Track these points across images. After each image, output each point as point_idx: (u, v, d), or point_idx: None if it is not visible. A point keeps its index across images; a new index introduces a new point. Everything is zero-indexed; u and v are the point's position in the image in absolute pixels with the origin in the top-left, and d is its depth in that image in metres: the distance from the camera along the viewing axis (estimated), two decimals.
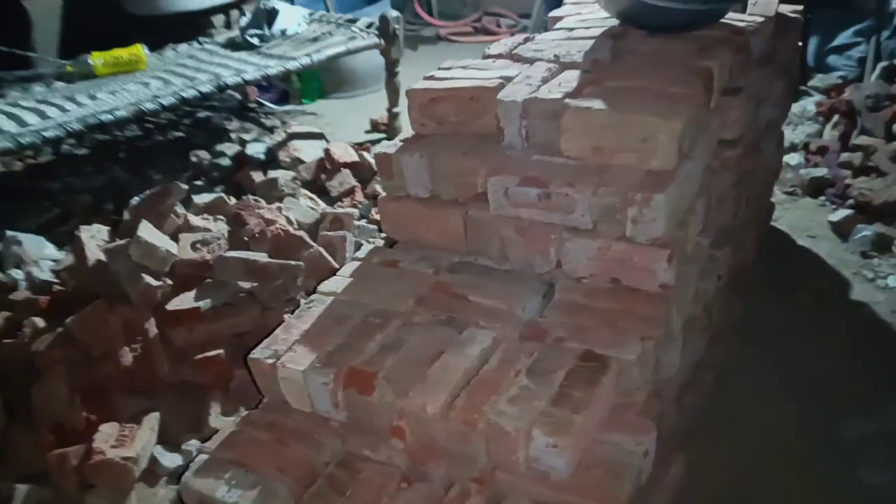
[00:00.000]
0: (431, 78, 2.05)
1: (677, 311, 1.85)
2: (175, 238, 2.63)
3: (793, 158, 3.79)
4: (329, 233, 2.81)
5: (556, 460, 1.47)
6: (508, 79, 1.97)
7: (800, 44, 2.78)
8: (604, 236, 1.76)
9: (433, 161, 1.93)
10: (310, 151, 3.93)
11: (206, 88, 3.42)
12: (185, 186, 2.94)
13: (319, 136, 4.28)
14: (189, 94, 3.40)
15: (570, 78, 1.94)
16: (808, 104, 4.10)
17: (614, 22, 2.25)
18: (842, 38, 4.26)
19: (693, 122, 1.76)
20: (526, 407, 1.50)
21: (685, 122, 1.69)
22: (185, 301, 2.45)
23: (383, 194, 2.07)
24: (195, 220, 2.77)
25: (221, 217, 2.85)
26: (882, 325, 2.72)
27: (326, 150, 3.75)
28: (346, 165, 3.67)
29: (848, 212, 3.28)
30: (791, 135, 3.92)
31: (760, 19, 2.28)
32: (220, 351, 2.40)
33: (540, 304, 1.81)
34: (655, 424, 1.75)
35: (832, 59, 4.27)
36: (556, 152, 1.83)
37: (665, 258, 1.71)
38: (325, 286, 1.95)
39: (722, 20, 2.21)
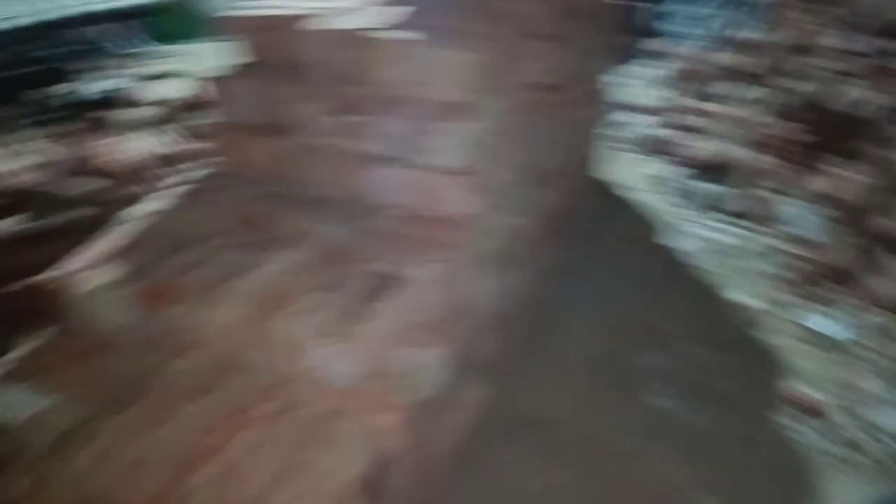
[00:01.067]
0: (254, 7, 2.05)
1: (483, 240, 1.95)
2: None
3: (628, 116, 4.01)
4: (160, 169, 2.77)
5: (341, 368, 1.54)
6: (329, 9, 2.00)
7: (638, 5, 2.94)
8: (410, 165, 1.83)
9: (251, 91, 1.94)
10: (165, 90, 3.82)
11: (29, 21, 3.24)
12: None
13: (177, 75, 4.15)
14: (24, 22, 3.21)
15: (385, 12, 1.99)
16: (647, 67, 4.33)
17: None
18: (691, 7, 4.51)
19: (497, 60, 1.85)
20: (315, 319, 1.57)
21: (485, 59, 1.77)
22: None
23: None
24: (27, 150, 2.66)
25: (55, 149, 2.74)
26: (688, 269, 2.95)
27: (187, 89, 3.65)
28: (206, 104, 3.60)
29: (670, 166, 3.52)
30: (630, 93, 4.14)
31: None
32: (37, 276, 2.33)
33: (345, 228, 1.87)
34: (454, 345, 1.86)
35: (678, 26, 4.52)
36: (369, 83, 1.88)
37: (466, 186, 1.81)
38: (140, 208, 1.94)
39: None
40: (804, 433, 2.24)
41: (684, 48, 4.29)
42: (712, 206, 3.27)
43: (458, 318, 1.95)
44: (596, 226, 3.14)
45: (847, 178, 3.06)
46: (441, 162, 1.79)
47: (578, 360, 2.49)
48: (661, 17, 4.59)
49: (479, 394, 2.11)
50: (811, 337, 2.58)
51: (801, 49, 3.71)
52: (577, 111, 2.71)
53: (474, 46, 1.78)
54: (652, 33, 4.61)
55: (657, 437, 2.23)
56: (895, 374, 2.35)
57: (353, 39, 1.86)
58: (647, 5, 4.54)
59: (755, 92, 3.69)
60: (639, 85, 4.19)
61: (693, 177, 3.46)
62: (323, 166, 1.91)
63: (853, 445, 2.19)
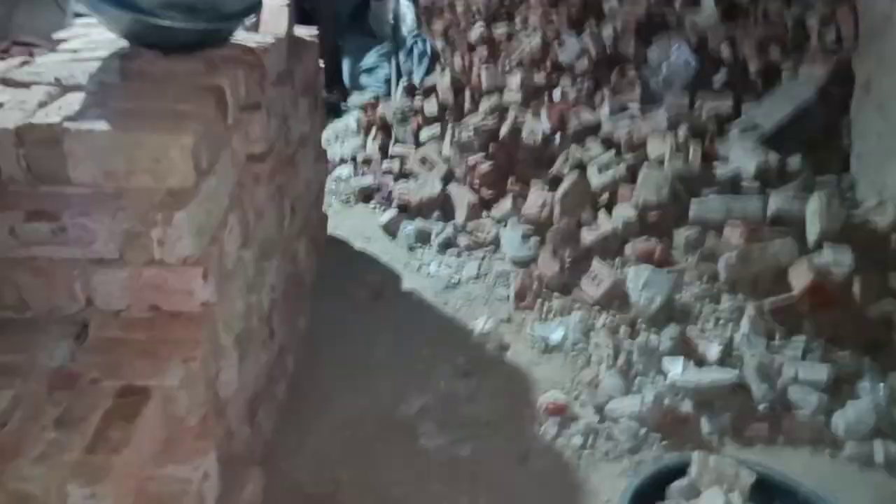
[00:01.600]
0: None
1: (225, 329, 1.84)
2: None
3: (344, 171, 4.12)
4: None
5: None
6: None
7: (322, 65, 3.02)
8: (132, 263, 1.67)
9: None
10: None
11: None
12: None
13: None
14: None
15: (73, 101, 1.81)
16: (350, 121, 4.49)
17: (126, 43, 2.16)
18: (369, 60, 4.76)
19: (208, 138, 1.77)
20: (55, 463, 1.35)
21: (197, 138, 1.69)
22: None
23: None
24: None
25: None
26: (429, 307, 3.09)
27: None
28: None
29: (393, 212, 3.67)
30: (340, 149, 4.26)
31: (272, 40, 2.40)
32: None
33: (70, 347, 1.64)
34: (219, 445, 1.73)
35: (364, 79, 4.76)
36: (66, 181, 1.69)
37: (199, 276, 1.70)
38: None
39: (235, 40, 2.27)
40: (563, 436, 2.45)
41: (381, 99, 4.51)
42: (439, 243, 3.45)
43: (220, 415, 1.82)
44: (342, 282, 3.15)
45: (540, 197, 3.42)
46: (167, 254, 1.66)
47: (353, 420, 2.46)
48: (357, 74, 4.78)
49: (259, 486, 1.98)
50: (546, 345, 2.83)
51: (483, 90, 4.10)
52: (299, 174, 2.70)
53: (184, 126, 1.68)
54: (351, 87, 4.78)
55: (435, 478, 2.28)
56: (618, 364, 2.66)
57: (42, 133, 1.66)
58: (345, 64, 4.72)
59: (448, 131, 3.99)
60: (348, 139, 4.31)
61: (414, 218, 3.62)
62: (31, 282, 1.66)
63: (606, 436, 2.43)
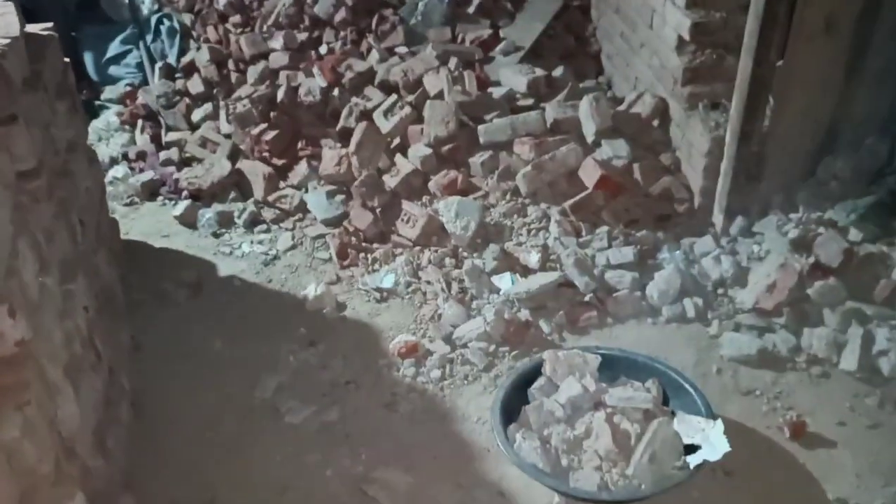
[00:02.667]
0: None
1: (50, 363, 1.67)
2: None
3: (119, 171, 3.79)
4: None
5: None
6: None
7: (67, 60, 2.73)
8: None
9: None
10: None
11: None
12: None
13: None
14: None
15: None
16: (109, 117, 4.12)
17: None
18: (113, 49, 4.37)
19: None
20: None
21: None
22: None
23: None
24: None
25: None
26: (254, 288, 2.98)
27: None
28: None
29: (186, 203, 3.46)
30: (107, 149, 3.90)
31: (6, 40, 2.13)
32: None
33: None
34: (81, 485, 1.58)
35: (113, 70, 4.37)
36: None
37: (5, 314, 1.51)
38: None
39: None
40: (421, 374, 2.51)
41: (139, 87, 4.17)
42: (244, 222, 3.32)
43: (71, 455, 1.66)
44: (154, 287, 2.93)
45: (335, 154, 3.40)
46: None
47: (209, 421, 2.36)
48: (105, 66, 4.36)
49: None
50: (380, 295, 2.87)
51: (247, 58, 3.94)
52: (77, 184, 2.45)
53: None
54: (100, 82, 4.36)
55: (310, 449, 2.26)
56: (453, 293, 2.77)
57: None
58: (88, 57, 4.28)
59: (221, 107, 3.80)
60: (112, 136, 3.96)
61: (210, 204, 3.45)
62: None
63: (460, 362, 2.53)
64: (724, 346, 2.52)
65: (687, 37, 2.96)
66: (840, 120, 2.93)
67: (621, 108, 3.32)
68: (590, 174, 3.03)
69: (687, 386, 2.20)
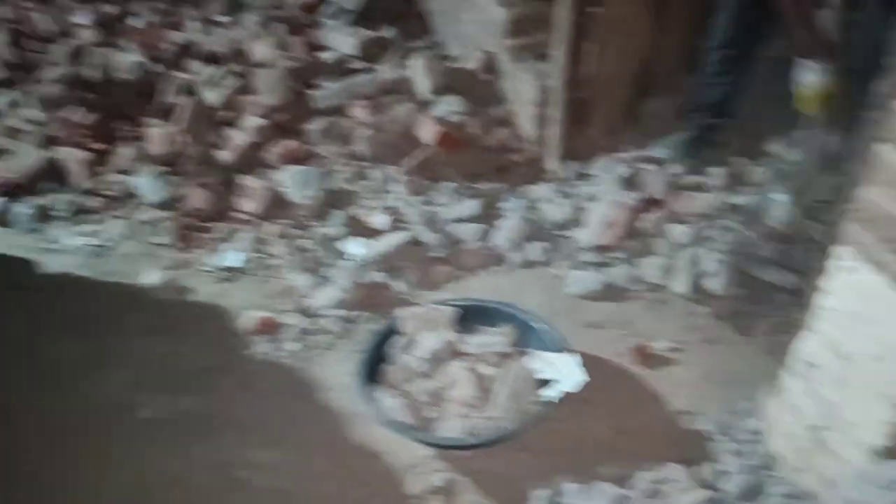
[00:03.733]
0: None
1: None
2: None
3: None
4: None
5: None
6: None
7: None
8: None
9: None
10: None
11: None
12: None
13: None
14: None
15: None
16: None
17: None
18: None
19: None
20: None
21: None
22: None
23: None
24: None
25: None
26: (89, 282, 2.76)
27: None
28: None
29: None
30: None
31: None
32: None
33: None
34: None
35: None
36: None
37: None
38: None
39: None
40: (280, 349, 2.45)
41: None
42: (67, 214, 3.06)
43: None
44: None
45: (162, 133, 3.20)
46: None
47: (55, 428, 2.17)
48: None
49: None
50: (228, 274, 2.75)
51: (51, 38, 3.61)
52: None
53: None
54: None
55: (169, 443, 2.16)
56: (303, 264, 2.71)
57: None
58: None
59: (25, 92, 3.47)
60: None
61: (23, 197, 3.15)
62: None
63: (318, 331, 2.49)
64: (568, 283, 2.64)
65: None
66: (655, 62, 3.12)
67: (453, 64, 3.35)
68: (429, 132, 3.05)
69: (538, 326, 2.29)
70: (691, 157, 2.90)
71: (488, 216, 2.90)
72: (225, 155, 3.14)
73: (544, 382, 2.11)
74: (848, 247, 1.59)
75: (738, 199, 2.73)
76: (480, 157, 3.10)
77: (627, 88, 3.11)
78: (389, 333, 2.31)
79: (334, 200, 2.97)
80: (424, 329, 2.28)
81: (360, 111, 3.15)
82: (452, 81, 3.26)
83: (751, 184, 2.81)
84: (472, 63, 3.31)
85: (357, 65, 3.42)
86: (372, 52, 3.46)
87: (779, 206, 2.62)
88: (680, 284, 2.58)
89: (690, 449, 2.08)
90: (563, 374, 2.09)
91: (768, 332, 2.39)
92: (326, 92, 3.24)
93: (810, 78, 2.40)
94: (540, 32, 3.09)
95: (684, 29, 3.12)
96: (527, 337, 2.30)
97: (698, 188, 2.79)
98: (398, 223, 2.86)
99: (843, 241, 1.60)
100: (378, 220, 2.85)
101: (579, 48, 2.79)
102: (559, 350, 2.19)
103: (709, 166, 2.89)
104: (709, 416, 2.18)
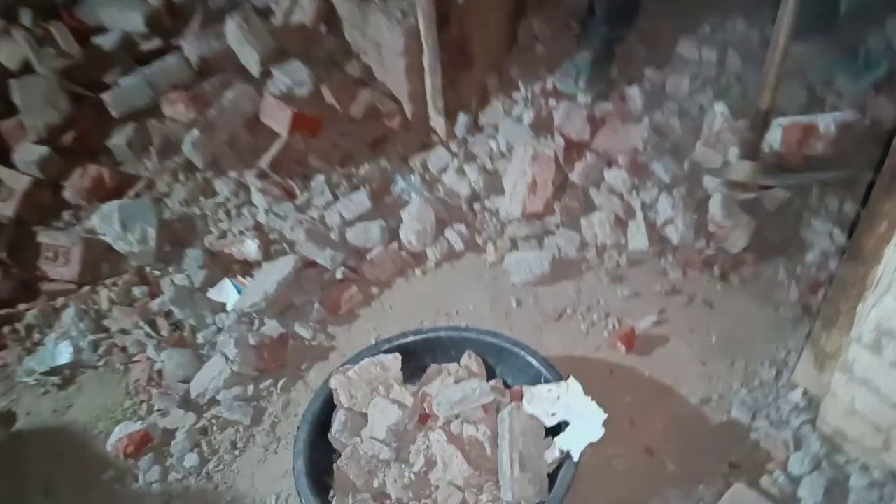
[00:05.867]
0: None
1: None
2: None
3: None
4: None
5: None
6: None
7: None
8: None
9: None
10: None
11: None
12: None
13: None
14: None
15: None
16: None
17: None
18: None
19: None
20: None
21: None
22: None
23: None
24: None
25: None
26: None
27: None
28: None
29: None
30: None
31: None
32: None
33: None
34: None
35: None
36: None
37: None
38: None
39: None
40: (170, 467, 1.77)
41: None
42: None
43: None
44: None
45: None
46: None
47: None
48: None
49: None
50: (59, 377, 1.98)
51: None
52: None
53: None
54: None
55: None
56: (167, 339, 2.00)
57: None
58: None
59: None
60: None
61: None
62: None
63: (223, 425, 1.82)
64: (511, 271, 2.13)
65: None
66: None
67: (277, 21, 2.62)
68: (277, 116, 2.35)
69: (506, 345, 1.78)
70: (599, 80, 2.43)
71: (383, 208, 2.30)
72: (4, 207, 2.26)
73: (553, 428, 1.61)
74: None
75: (671, 120, 2.30)
76: (349, 133, 2.46)
77: (503, 9, 2.56)
78: (323, 412, 1.70)
79: (178, 235, 2.23)
80: (369, 394, 1.70)
81: (175, 107, 2.37)
82: (285, 43, 2.54)
83: (676, 98, 2.39)
84: (301, 15, 2.59)
85: (150, 45, 2.59)
86: (165, 24, 2.63)
87: (720, 118, 2.22)
88: (636, 239, 2.15)
89: (737, 451, 1.69)
90: (571, 409, 1.60)
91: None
92: (122, 90, 2.41)
93: None
94: None
95: None
96: (496, 362, 1.78)
97: (622, 117, 2.33)
98: (274, 245, 2.20)
99: None
100: (247, 247, 2.17)
101: None
102: (545, 370, 1.69)
103: (623, 86, 2.44)
104: (737, 399, 1.79)
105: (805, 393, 1.75)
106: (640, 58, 2.53)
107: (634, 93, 2.38)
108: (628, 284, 2.09)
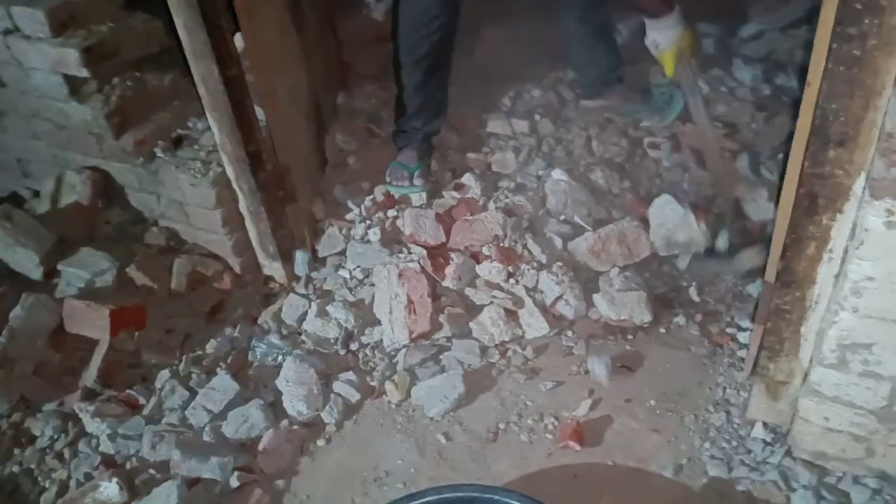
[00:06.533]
0: None
1: None
2: None
3: None
4: None
5: None
6: None
7: None
8: None
9: None
10: None
11: None
12: None
13: None
14: None
15: None
16: None
17: None
18: None
19: None
20: None
21: None
22: None
23: None
24: None
25: None
26: None
27: None
28: None
29: None
30: None
31: None
32: None
33: None
34: None
35: None
36: None
37: None
38: None
39: None
40: None
41: None
42: None
43: None
44: None
45: None
46: None
47: None
48: None
49: None
50: None
51: None
52: None
53: None
54: None
55: None
56: None
57: None
58: None
59: None
60: None
61: None
62: None
63: None
64: (424, 405, 1.90)
65: (82, 72, 2.00)
66: (320, 91, 2.41)
67: (43, 209, 2.18)
68: (88, 320, 1.92)
69: (475, 494, 1.54)
70: (428, 175, 2.32)
71: (252, 383, 1.96)
72: None
73: None
74: (883, 199, 1.21)
75: (515, 198, 2.24)
76: (179, 312, 2.09)
77: (308, 130, 2.36)
78: None
79: None
80: None
81: None
82: (63, 232, 2.12)
83: (509, 175, 2.34)
84: (76, 194, 2.18)
85: None
86: None
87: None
88: (534, 327, 2.03)
89: None
90: None
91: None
92: None
93: (668, 33, 1.98)
94: (159, 111, 2.16)
95: (330, 41, 2.47)
96: None
97: (469, 208, 2.23)
98: (139, 476, 1.75)
99: (876, 193, 1.22)
100: (105, 491, 1.70)
101: (243, 108, 1.94)
102: None
103: (449, 177, 2.35)
104: (706, 456, 1.72)
105: (766, 426, 1.72)
106: (456, 145, 2.47)
107: (468, 180, 2.30)
108: (545, 375, 1.96)
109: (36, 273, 2.03)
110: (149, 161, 2.13)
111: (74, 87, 2.06)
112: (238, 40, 1.87)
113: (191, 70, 1.85)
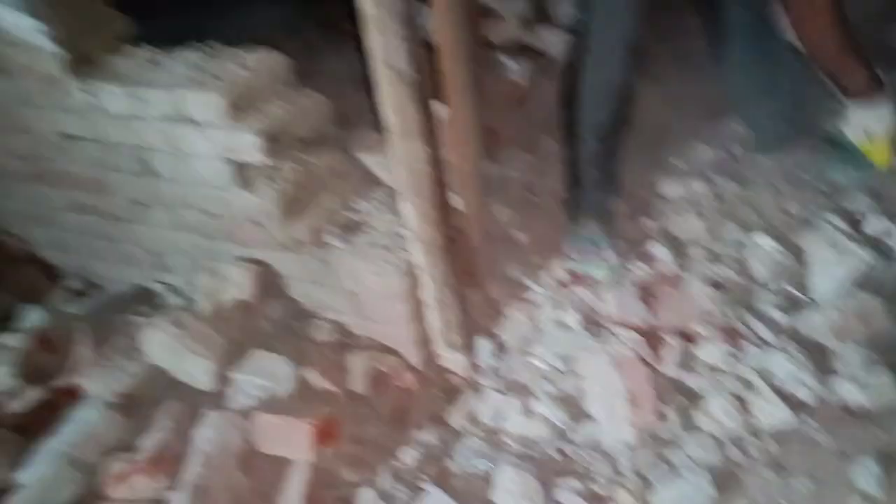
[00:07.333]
0: None
1: None
2: None
3: None
4: None
5: None
6: None
7: None
8: None
9: None
10: None
11: None
12: None
13: None
14: None
15: None
16: None
17: None
18: None
19: None
20: None
21: None
22: None
23: None
24: None
25: None
26: None
27: None
28: None
29: None
30: None
31: None
32: None
33: None
34: None
35: None
36: None
37: None
38: None
39: None
40: None
41: None
42: None
43: None
44: None
45: None
46: None
47: None
48: None
49: None
50: None
51: None
52: None
53: None
54: None
55: None
56: None
57: None
58: None
59: None
60: None
61: None
62: None
63: None
64: None
65: (255, 157, 1.81)
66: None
67: (206, 310, 1.97)
68: (286, 437, 1.69)
69: None
70: (616, 248, 2.11)
71: (458, 498, 1.72)
72: None
73: None
74: None
75: (714, 268, 2.04)
76: (367, 418, 1.86)
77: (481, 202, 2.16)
78: None
79: None
80: None
81: (131, 482, 1.61)
82: (231, 332, 1.90)
83: (698, 242, 2.14)
84: (236, 290, 1.97)
85: (25, 401, 1.79)
86: (44, 364, 1.85)
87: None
88: (772, 415, 1.78)
89: None
90: None
91: None
92: (31, 492, 1.60)
93: (881, 121, 1.80)
94: (330, 193, 1.97)
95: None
96: None
97: (667, 282, 2.02)
98: None
99: None
100: None
101: (443, 188, 1.75)
102: None
103: (629, 248, 2.15)
104: None
105: None
106: (625, 211, 2.28)
107: (660, 251, 2.10)
108: (798, 471, 1.72)
109: (207, 383, 1.80)
110: (319, 249, 1.92)
111: (240, 173, 1.87)
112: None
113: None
